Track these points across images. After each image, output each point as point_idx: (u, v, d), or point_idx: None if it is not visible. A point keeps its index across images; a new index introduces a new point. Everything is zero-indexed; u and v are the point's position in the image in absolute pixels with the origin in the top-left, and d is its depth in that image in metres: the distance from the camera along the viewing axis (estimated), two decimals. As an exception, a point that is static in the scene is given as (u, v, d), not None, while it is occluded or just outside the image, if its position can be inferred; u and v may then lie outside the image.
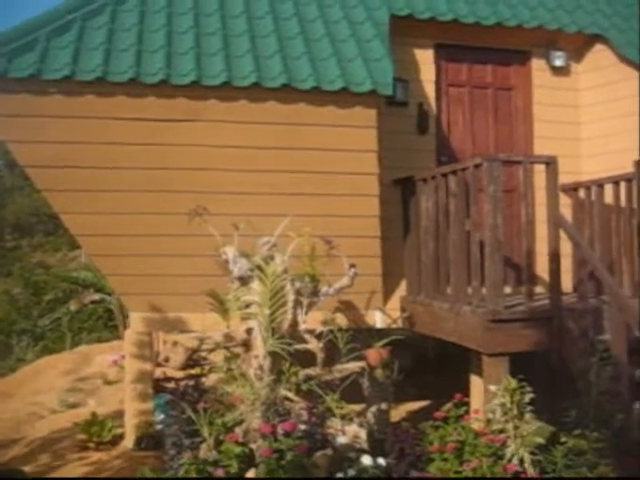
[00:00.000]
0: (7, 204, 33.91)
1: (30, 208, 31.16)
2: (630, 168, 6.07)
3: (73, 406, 8.64)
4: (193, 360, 9.74)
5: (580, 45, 7.55)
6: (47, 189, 5.93)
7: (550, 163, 5.51)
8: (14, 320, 18.63)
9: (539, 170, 5.66)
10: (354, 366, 5.79)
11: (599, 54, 7.47)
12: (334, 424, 5.18)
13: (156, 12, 6.22)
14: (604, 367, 4.95)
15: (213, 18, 6.23)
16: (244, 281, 5.58)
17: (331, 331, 5.76)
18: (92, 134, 5.65)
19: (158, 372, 7.98)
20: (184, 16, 6.20)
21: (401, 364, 6.99)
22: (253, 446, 4.86)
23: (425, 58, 7.13)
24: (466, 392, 5.72)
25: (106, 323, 16.66)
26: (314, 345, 5.55)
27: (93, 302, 16.27)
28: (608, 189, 6.50)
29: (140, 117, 5.62)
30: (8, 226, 35.59)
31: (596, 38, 7.44)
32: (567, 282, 6.33)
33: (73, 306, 16.69)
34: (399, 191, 6.86)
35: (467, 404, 5.45)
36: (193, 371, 6.90)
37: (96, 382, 9.87)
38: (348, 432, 5.16)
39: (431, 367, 8.62)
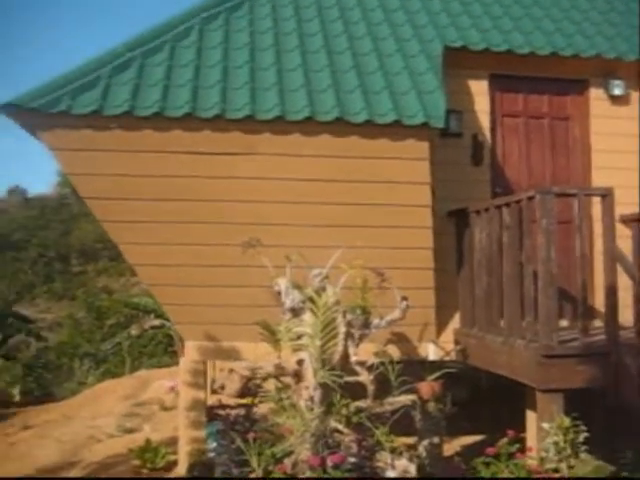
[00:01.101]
0: (74, 230, 34.98)
1: (95, 234, 32.06)
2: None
3: (130, 431, 8.79)
4: (248, 388, 9.81)
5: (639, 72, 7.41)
6: (105, 220, 6.10)
7: (606, 195, 5.40)
8: (78, 343, 19.15)
9: (597, 201, 5.57)
10: (405, 399, 5.73)
11: (659, 82, 7.33)
12: (384, 458, 5.14)
13: (213, 48, 6.38)
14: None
15: (267, 53, 6.36)
16: (296, 312, 5.63)
17: (382, 363, 5.74)
18: (149, 167, 5.82)
19: (213, 399, 8.07)
20: (239, 51, 6.35)
21: (455, 397, 6.91)
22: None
23: (479, 89, 7.11)
24: (522, 426, 5.61)
25: (166, 348, 16.96)
26: (365, 377, 5.53)
27: (153, 327, 16.55)
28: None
29: (195, 150, 5.76)
30: (74, 252, 36.63)
31: (655, 65, 7.30)
32: (628, 316, 6.15)
33: (134, 331, 17.05)
34: (453, 223, 6.82)
35: (522, 440, 5.34)
36: (244, 400, 6.94)
37: (153, 408, 10.03)
38: (398, 466, 5.11)
39: (486, 400, 8.47)
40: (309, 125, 5.67)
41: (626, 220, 6.93)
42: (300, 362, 5.55)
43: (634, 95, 7.48)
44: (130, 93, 5.73)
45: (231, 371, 10.45)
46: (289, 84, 5.98)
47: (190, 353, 6.79)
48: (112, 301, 20.50)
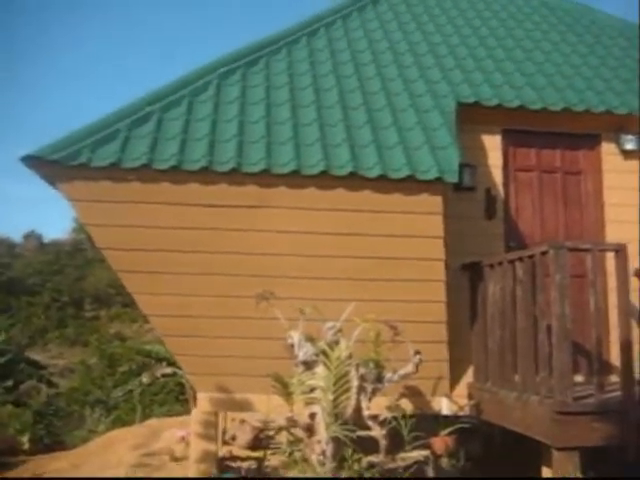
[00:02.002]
0: (88, 276, 35.14)
1: (109, 280, 32.24)
2: None
3: (139, 483, 8.68)
4: (260, 440, 9.69)
5: (652, 128, 7.48)
6: (121, 270, 6.16)
7: (619, 251, 5.41)
8: (89, 390, 19.07)
9: (610, 255, 5.57)
10: (418, 454, 5.68)
11: (671, 137, 7.38)
12: (397, 514, 5.07)
13: (230, 102, 6.52)
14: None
15: (283, 107, 6.49)
16: (309, 365, 5.62)
17: (395, 418, 5.70)
18: (166, 219, 5.90)
19: (224, 450, 7.99)
20: (255, 106, 6.48)
21: (469, 452, 6.82)
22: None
23: (493, 143, 7.20)
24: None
25: (177, 397, 16.85)
26: (377, 432, 5.50)
27: (165, 375, 16.47)
28: (685, 274, 6.32)
29: (212, 203, 5.84)
30: (88, 297, 36.78)
31: (667, 120, 7.37)
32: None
33: (146, 379, 16.96)
34: (467, 276, 6.83)
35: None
36: (256, 453, 6.87)
37: (163, 458, 9.91)
38: (411, 523, 5.04)
39: (501, 456, 8.33)
40: (324, 179, 5.74)
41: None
42: (312, 415, 5.53)
43: (646, 150, 7.53)
44: (148, 146, 5.84)
45: (243, 422, 10.35)
46: (304, 138, 6.08)
47: (202, 404, 6.77)
48: (124, 348, 20.48)
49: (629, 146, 7.39)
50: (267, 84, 6.84)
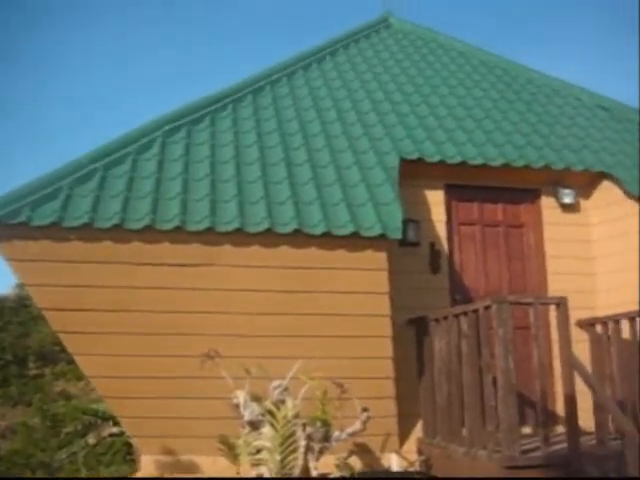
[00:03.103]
0: (32, 333, 34.14)
1: (54, 337, 31.19)
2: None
3: None
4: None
5: (588, 182, 7.72)
6: (61, 330, 6.00)
7: (560, 304, 5.51)
8: (31, 453, 18.34)
9: (554, 307, 5.65)
10: (368, 514, 5.59)
11: (606, 191, 7.63)
12: None
13: (174, 160, 6.51)
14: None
15: (228, 165, 6.50)
16: (255, 425, 5.51)
17: (344, 477, 5.62)
18: (108, 278, 5.79)
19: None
20: (200, 164, 6.48)
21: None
22: None
23: (436, 199, 7.31)
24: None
25: (125, 457, 16.32)
26: (326, 493, 5.40)
27: (112, 435, 15.93)
28: (625, 324, 6.45)
29: (155, 262, 5.76)
30: (32, 354, 35.70)
31: (603, 175, 7.61)
32: (591, 420, 6.13)
33: (92, 439, 16.41)
34: (414, 331, 6.85)
35: None
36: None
37: (109, 525, 9.55)
38: None
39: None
40: (268, 237, 5.74)
41: (582, 325, 7.07)
42: (259, 477, 5.40)
43: (584, 203, 7.76)
44: (90, 205, 5.77)
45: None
46: (249, 196, 6.08)
47: (146, 467, 6.56)
48: (69, 407, 19.81)
49: (567, 200, 7.60)
50: (212, 142, 6.86)
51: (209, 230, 5.69)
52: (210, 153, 6.65)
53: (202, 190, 6.10)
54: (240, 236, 5.72)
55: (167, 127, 6.93)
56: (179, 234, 5.70)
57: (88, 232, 5.67)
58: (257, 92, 8.04)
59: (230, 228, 5.71)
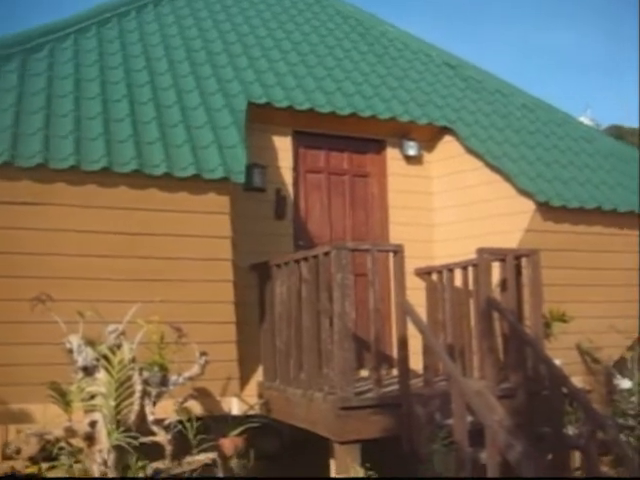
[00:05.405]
0: None
1: None
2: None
3: None
4: (49, 452, 9.10)
5: (431, 136, 7.96)
6: None
7: (397, 252, 5.68)
8: None
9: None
10: (205, 457, 5.60)
11: (448, 145, 7.91)
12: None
13: (7, 91, 6.06)
14: (450, 452, 5.04)
15: (66, 100, 6.13)
16: (89, 371, 5.36)
17: (181, 421, 5.59)
18: None
19: (4, 466, 7.40)
20: (36, 96, 6.07)
21: (265, 450, 6.86)
22: None
23: (284, 145, 7.28)
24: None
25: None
26: (162, 437, 5.36)
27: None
28: (458, 273, 6.77)
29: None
30: None
31: (445, 130, 7.88)
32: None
33: None
34: (256, 276, 6.86)
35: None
36: (33, 469, 6.42)
37: None
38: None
39: (292, 452, 8.47)
40: (105, 176, 5.48)
41: (420, 273, 7.37)
42: (93, 424, 5.28)
43: (427, 156, 8.01)
44: None
45: (28, 434, 9.69)
46: (87, 133, 5.77)
47: (-26, 417, 6.23)
48: None
49: (411, 152, 7.82)
50: (49, 73, 6.43)
51: (41, 166, 5.34)
52: (46, 85, 6.23)
53: (36, 124, 5.71)
54: (75, 174, 5.41)
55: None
56: (9, 170, 5.30)
57: None
58: (103, 24, 7.60)
59: (65, 165, 5.38)
